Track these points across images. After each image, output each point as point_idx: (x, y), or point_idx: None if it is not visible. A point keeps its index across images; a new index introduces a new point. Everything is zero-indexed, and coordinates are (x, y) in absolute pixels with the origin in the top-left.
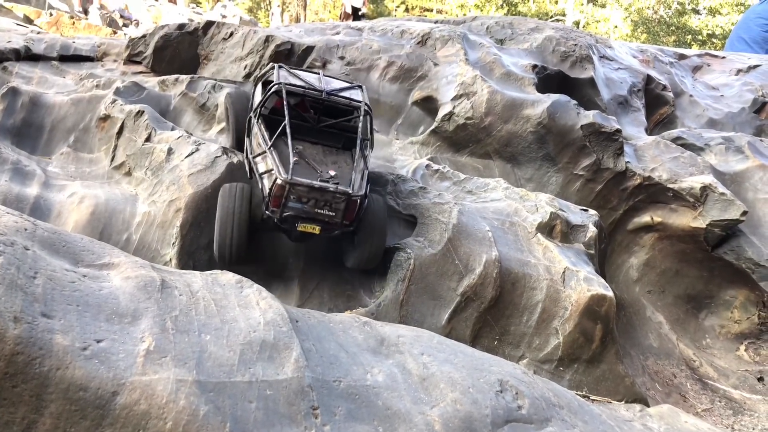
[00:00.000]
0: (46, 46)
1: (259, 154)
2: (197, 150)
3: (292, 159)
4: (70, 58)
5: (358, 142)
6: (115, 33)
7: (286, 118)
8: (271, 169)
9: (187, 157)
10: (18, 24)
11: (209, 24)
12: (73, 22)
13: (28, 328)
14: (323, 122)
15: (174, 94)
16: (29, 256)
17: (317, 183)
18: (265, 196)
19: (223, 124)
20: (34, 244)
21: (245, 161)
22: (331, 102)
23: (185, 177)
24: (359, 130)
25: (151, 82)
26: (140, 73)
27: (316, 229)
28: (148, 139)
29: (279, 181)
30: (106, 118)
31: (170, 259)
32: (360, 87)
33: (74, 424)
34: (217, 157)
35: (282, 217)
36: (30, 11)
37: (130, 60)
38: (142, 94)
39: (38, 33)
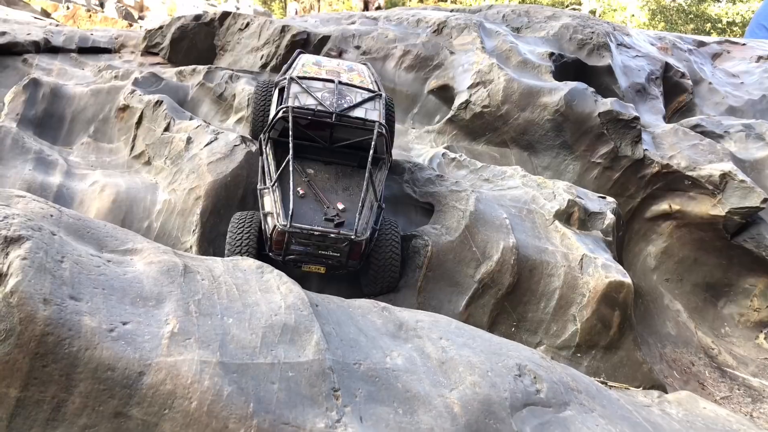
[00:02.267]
0: (64, 38)
1: (264, 189)
2: (216, 139)
3: (292, 203)
4: (89, 50)
5: (367, 175)
6: (131, 25)
7: (290, 153)
8: (271, 211)
9: (206, 146)
10: (35, 17)
11: (225, 15)
12: (90, 15)
13: (57, 309)
14: (336, 142)
15: (191, 84)
16: (56, 240)
17: (318, 229)
18: (267, 238)
19: (242, 113)
20: (60, 229)
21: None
22: (343, 123)
23: (204, 165)
24: (368, 163)
25: (169, 72)
26: (157, 64)
27: (321, 270)
28: (167, 129)
29: (279, 228)
30: (125, 108)
31: (191, 246)
32: (380, 96)
33: (103, 402)
34: (235, 145)
35: (285, 260)
36: (47, 4)
37: (148, 51)
38: (160, 84)
39: (56, 26)
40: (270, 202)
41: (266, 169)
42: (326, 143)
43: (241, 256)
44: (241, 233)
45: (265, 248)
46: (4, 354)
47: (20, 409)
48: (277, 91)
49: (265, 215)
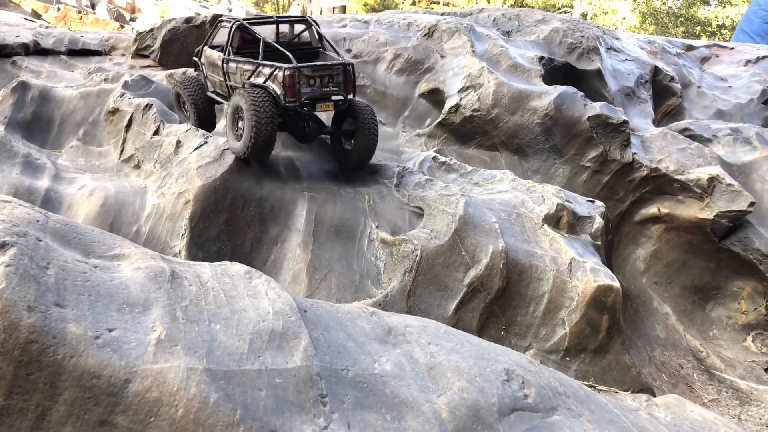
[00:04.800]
0: (54, 40)
1: (253, 72)
2: (205, 143)
3: (291, 55)
4: (79, 52)
5: (323, 38)
6: (122, 27)
7: (261, 38)
8: (273, 71)
9: (195, 149)
10: (26, 18)
11: (216, 17)
12: (81, 17)
13: (42, 317)
14: (283, 42)
15: None
16: (42, 247)
17: (317, 63)
18: (279, 94)
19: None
20: (46, 235)
21: (221, 89)
22: (281, 21)
23: (194, 169)
24: (313, 25)
25: (159, 75)
26: (148, 66)
27: (331, 106)
28: (156, 132)
29: (288, 72)
30: (114, 111)
31: (179, 251)
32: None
33: (88, 411)
34: (225, 149)
35: (301, 102)
36: (38, 6)
37: (138, 54)
38: (150, 87)
39: (47, 27)
40: (267, 68)
41: (244, 64)
42: (275, 41)
43: (269, 133)
44: (264, 107)
45: (281, 116)
46: None
47: (4, 417)
48: (206, 48)
49: (270, 77)
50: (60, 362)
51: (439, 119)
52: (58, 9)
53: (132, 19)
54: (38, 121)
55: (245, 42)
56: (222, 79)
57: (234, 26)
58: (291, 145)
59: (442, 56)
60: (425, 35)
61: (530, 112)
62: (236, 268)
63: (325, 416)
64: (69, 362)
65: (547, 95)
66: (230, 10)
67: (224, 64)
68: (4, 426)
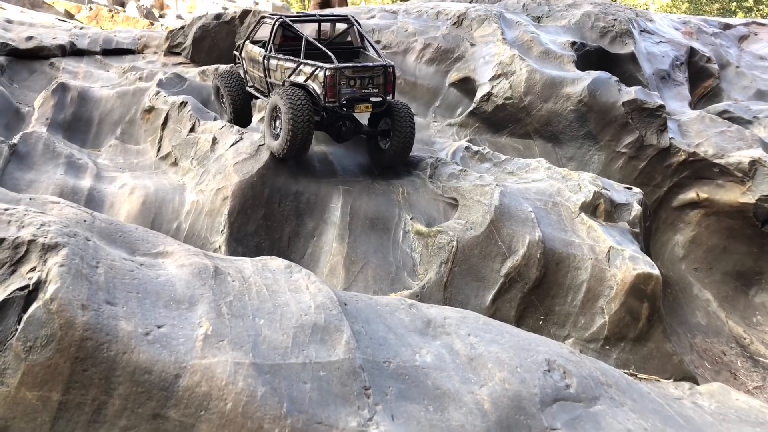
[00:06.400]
0: (89, 41)
1: (293, 71)
2: (241, 139)
3: (332, 55)
4: (113, 51)
5: (364, 38)
6: (152, 24)
7: (303, 36)
8: (314, 71)
9: (231, 146)
10: (60, 19)
11: (245, 13)
12: (112, 15)
13: (95, 315)
14: (325, 40)
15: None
16: (90, 246)
17: (359, 64)
18: (319, 94)
19: (264, 113)
20: (93, 234)
21: (261, 85)
22: (324, 20)
23: (231, 166)
24: (356, 25)
25: (192, 72)
26: (180, 64)
27: (369, 108)
28: (192, 130)
29: (329, 72)
30: (150, 109)
31: (219, 246)
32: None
33: (141, 404)
34: (260, 145)
35: (340, 103)
36: (70, 6)
37: (170, 51)
38: (183, 85)
39: (81, 28)
40: (308, 67)
41: (285, 62)
42: (317, 39)
43: (305, 134)
44: (302, 108)
45: (318, 115)
46: (46, 359)
47: (62, 412)
48: (247, 43)
49: (311, 76)
50: (113, 358)
51: (471, 108)
52: (90, 8)
53: (161, 16)
54: (78, 122)
55: (287, 39)
56: (262, 75)
57: (277, 23)
58: (325, 140)
59: (472, 44)
60: (454, 24)
61: (563, 99)
62: (277, 262)
63: (369, 408)
64: (122, 358)
65: (580, 81)
66: (257, 4)
67: (265, 61)
68: (62, 420)
